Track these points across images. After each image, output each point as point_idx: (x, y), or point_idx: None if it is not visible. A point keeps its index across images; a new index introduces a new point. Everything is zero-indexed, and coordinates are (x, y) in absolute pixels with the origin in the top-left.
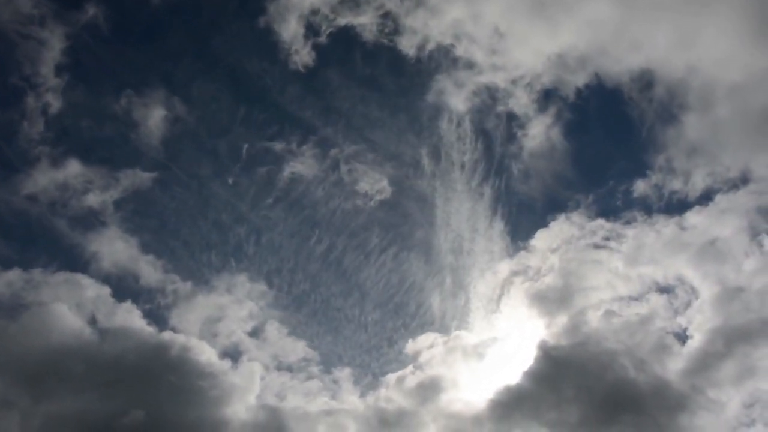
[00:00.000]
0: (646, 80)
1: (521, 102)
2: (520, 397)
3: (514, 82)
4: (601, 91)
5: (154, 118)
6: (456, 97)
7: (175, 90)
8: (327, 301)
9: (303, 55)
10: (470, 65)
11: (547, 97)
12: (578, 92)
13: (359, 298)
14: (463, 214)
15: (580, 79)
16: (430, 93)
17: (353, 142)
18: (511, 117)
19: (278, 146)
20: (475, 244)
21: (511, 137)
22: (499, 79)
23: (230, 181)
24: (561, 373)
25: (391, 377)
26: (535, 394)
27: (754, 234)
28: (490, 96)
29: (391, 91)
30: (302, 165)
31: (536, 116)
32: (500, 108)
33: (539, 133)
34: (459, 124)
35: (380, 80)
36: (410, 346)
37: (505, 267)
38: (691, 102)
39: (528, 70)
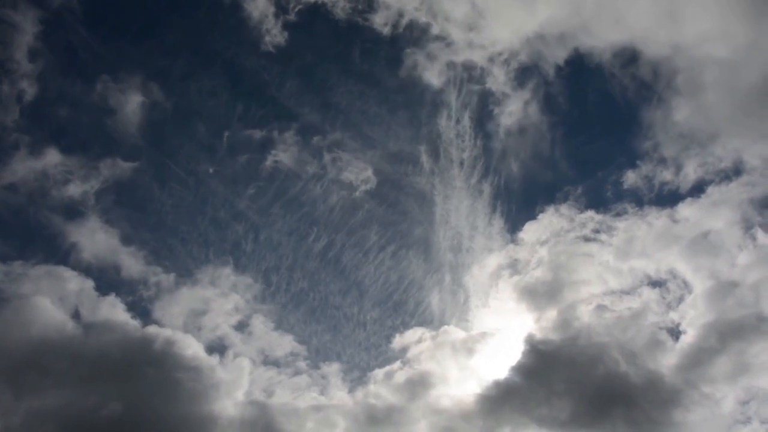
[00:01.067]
0: (628, 57)
1: (499, 80)
2: (509, 392)
3: (491, 59)
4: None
5: (131, 105)
6: (430, 72)
7: (152, 76)
8: (318, 296)
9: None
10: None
11: (524, 74)
12: (558, 69)
13: (347, 291)
14: (462, 211)
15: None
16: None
17: (351, 137)
18: (487, 94)
19: (258, 133)
20: (474, 242)
21: (487, 115)
22: (477, 57)
23: (211, 170)
24: (551, 368)
25: (379, 372)
26: (524, 389)
27: (748, 227)
28: (468, 73)
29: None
30: (285, 153)
31: (515, 94)
32: (476, 86)
33: (517, 110)
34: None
35: (378, 75)
36: (398, 341)
37: (493, 260)
38: (677, 82)
39: (505, 47)
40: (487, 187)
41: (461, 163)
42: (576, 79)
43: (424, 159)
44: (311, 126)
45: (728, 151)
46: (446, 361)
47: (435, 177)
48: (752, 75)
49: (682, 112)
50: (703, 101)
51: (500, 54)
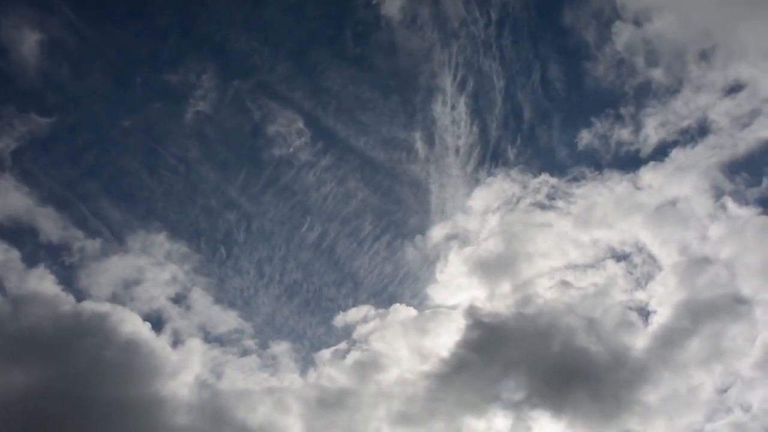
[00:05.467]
0: None
1: None
2: (459, 371)
3: None
4: None
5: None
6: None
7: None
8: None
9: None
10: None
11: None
12: None
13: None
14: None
15: None
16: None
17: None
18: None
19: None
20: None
21: None
22: None
23: (127, 123)
24: (507, 345)
25: (326, 353)
26: (483, 367)
27: (717, 195)
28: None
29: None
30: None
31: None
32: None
33: None
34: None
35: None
36: (340, 319)
37: (438, 231)
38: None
39: None
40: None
41: (457, 151)
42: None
43: (419, 146)
44: (303, 111)
45: (690, 108)
46: (397, 341)
47: (430, 164)
48: None
49: (627, 46)
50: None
51: None
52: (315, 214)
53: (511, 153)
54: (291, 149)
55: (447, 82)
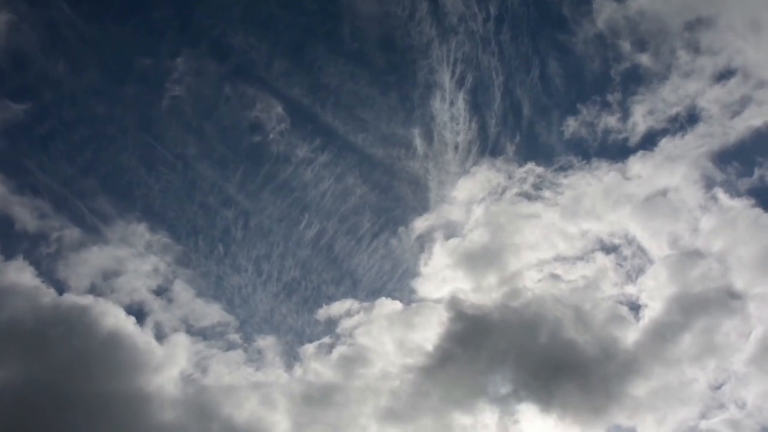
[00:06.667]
0: None
1: None
2: (447, 365)
3: None
4: None
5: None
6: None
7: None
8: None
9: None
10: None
11: None
12: None
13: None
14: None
15: None
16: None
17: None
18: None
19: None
20: None
21: None
22: None
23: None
24: (490, 339)
25: (310, 347)
26: (464, 362)
27: (708, 186)
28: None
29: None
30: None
31: None
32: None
33: None
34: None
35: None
36: (323, 313)
37: (421, 222)
38: None
39: None
40: None
41: (456, 147)
42: None
43: (418, 142)
44: (300, 107)
45: (679, 95)
46: (382, 336)
47: (429, 161)
48: None
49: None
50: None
51: None
52: (313, 210)
53: (510, 149)
54: (289, 146)
55: (445, 78)
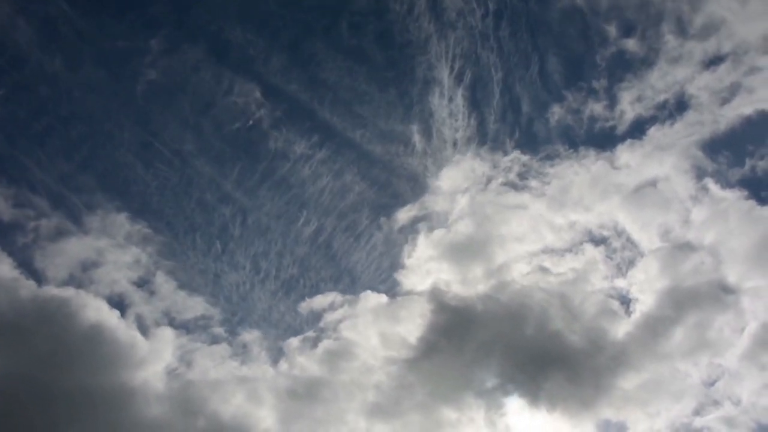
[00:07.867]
0: None
1: None
2: (434, 358)
3: None
4: None
5: None
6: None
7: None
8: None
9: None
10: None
11: None
12: None
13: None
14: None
15: None
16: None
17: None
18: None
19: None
20: None
21: None
22: None
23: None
24: (477, 332)
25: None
26: (451, 355)
27: (699, 176)
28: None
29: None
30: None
31: None
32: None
33: None
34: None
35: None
36: (305, 306)
37: (404, 214)
38: None
39: None
40: None
41: (454, 143)
42: None
43: (416, 139)
44: (298, 103)
45: (667, 82)
46: (367, 329)
47: (427, 157)
48: None
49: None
50: None
51: None
52: (311, 207)
53: (509, 145)
54: (287, 142)
55: (444, 74)
